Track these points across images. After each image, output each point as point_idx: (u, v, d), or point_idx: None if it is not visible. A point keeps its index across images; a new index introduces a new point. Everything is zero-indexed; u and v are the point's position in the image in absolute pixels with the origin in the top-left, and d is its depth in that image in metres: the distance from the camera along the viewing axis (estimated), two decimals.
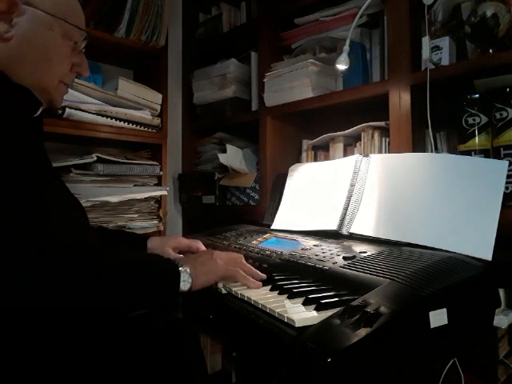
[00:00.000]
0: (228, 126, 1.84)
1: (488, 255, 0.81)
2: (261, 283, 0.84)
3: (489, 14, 1.03)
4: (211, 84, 1.87)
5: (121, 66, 1.90)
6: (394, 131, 1.20)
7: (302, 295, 0.74)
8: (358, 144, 1.39)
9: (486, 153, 1.05)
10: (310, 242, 1.08)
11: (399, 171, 1.06)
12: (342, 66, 1.26)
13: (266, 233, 1.27)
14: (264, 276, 0.87)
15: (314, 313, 0.67)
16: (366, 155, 1.18)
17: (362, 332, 0.56)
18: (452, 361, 0.87)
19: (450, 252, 0.85)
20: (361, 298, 0.66)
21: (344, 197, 1.15)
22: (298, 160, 1.65)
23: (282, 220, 1.34)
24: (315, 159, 1.57)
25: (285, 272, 0.91)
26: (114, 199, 1.54)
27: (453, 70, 1.10)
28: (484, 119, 1.04)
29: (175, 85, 2.02)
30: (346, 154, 1.44)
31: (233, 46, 1.87)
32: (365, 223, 1.06)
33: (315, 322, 0.62)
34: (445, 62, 1.15)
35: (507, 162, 0.89)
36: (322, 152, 1.55)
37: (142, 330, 0.75)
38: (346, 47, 1.25)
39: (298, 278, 0.87)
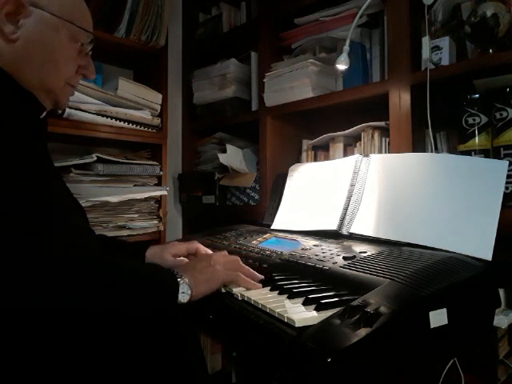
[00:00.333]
0: (228, 126, 1.84)
1: (488, 255, 0.81)
2: (261, 285, 0.84)
3: (489, 13, 1.03)
4: (211, 84, 1.87)
5: (121, 66, 1.90)
6: (393, 131, 1.20)
7: (302, 295, 0.74)
8: (358, 144, 1.39)
9: (486, 153, 1.05)
10: (309, 242, 1.08)
11: (399, 171, 1.06)
12: (341, 66, 1.26)
13: (265, 233, 1.27)
14: (262, 277, 0.87)
15: (314, 313, 0.67)
16: (366, 155, 1.18)
17: (362, 332, 0.56)
18: (452, 361, 0.87)
19: (450, 252, 0.85)
20: (361, 298, 0.66)
21: (344, 197, 1.15)
22: (298, 160, 1.65)
23: (282, 220, 1.34)
24: (315, 159, 1.57)
25: (285, 272, 0.91)
26: (113, 199, 1.54)
27: (453, 70, 1.10)
28: (484, 119, 1.05)
29: (175, 85, 2.02)
30: (346, 154, 1.44)
31: (233, 45, 1.87)
32: (365, 223, 1.06)
33: (315, 322, 0.62)
34: (445, 62, 1.15)
35: (507, 162, 0.89)
36: (321, 152, 1.55)
37: (142, 330, 0.75)
38: (346, 47, 1.25)
39: (297, 277, 0.86)
